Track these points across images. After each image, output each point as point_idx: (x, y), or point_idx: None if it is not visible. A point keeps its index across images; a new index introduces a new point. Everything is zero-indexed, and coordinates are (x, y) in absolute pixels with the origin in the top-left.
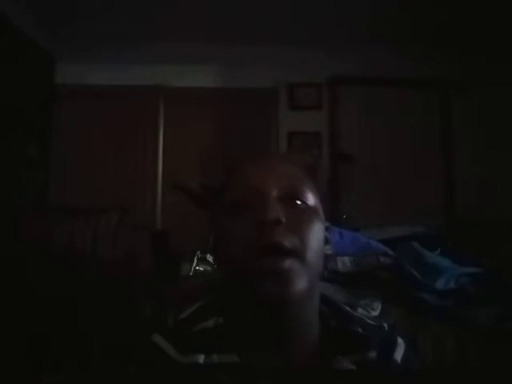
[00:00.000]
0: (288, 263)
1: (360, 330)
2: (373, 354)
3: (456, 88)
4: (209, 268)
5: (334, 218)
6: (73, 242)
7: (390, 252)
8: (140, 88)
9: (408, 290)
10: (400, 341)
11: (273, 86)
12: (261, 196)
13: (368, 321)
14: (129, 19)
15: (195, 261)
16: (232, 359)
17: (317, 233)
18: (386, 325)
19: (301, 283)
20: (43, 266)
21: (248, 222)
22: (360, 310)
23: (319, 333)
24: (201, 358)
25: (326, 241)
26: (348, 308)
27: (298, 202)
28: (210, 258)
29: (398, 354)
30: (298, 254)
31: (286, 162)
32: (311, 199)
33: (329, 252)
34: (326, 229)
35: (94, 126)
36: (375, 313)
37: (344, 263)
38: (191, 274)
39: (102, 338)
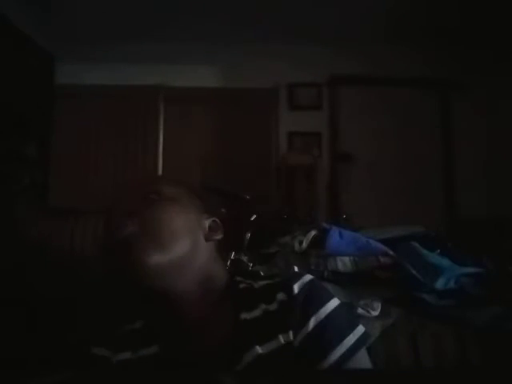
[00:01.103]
0: (132, 231)
1: (269, 281)
2: (280, 296)
3: (456, 88)
4: None
5: (334, 218)
6: (73, 242)
7: (390, 252)
8: (140, 88)
9: (408, 290)
10: (307, 276)
11: (273, 86)
12: (116, 202)
13: (276, 272)
14: (129, 19)
15: None
16: (154, 351)
17: (168, 220)
18: (295, 267)
19: (150, 255)
20: (43, 267)
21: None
22: (360, 310)
23: (222, 298)
24: (128, 355)
25: (214, 230)
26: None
27: (149, 195)
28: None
29: (297, 285)
30: (145, 231)
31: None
32: (165, 194)
33: (218, 237)
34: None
35: (94, 126)
36: (375, 313)
37: (344, 263)
38: None
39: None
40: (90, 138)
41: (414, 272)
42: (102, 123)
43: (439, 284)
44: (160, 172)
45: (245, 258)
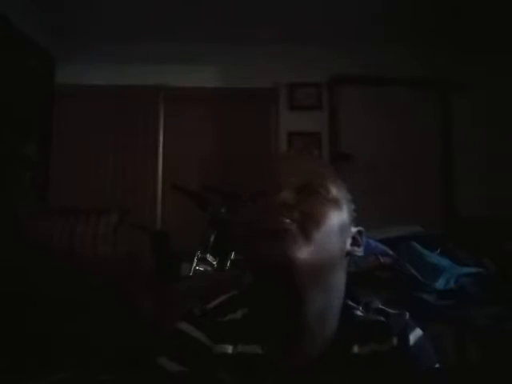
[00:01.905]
0: (287, 224)
1: (382, 318)
2: (394, 340)
3: (456, 88)
4: (209, 268)
5: None
6: (73, 242)
7: (390, 252)
8: (140, 88)
9: (408, 290)
10: (418, 329)
11: (273, 86)
12: (278, 186)
13: (390, 310)
14: (129, 19)
15: (195, 261)
16: (255, 350)
17: (328, 220)
18: (407, 313)
19: (302, 251)
20: (43, 267)
21: (262, 206)
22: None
23: (339, 324)
24: (229, 349)
25: (356, 243)
26: (371, 303)
27: (316, 192)
28: (210, 257)
29: (413, 336)
30: (301, 226)
31: (317, 161)
32: (331, 192)
33: (359, 254)
34: (359, 233)
35: (94, 126)
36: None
37: None
38: (191, 273)
39: (102, 338)
40: (90, 138)
41: (414, 272)
42: (101, 123)
43: (439, 284)
44: (160, 172)
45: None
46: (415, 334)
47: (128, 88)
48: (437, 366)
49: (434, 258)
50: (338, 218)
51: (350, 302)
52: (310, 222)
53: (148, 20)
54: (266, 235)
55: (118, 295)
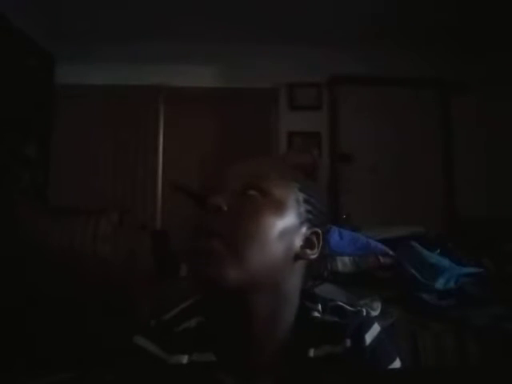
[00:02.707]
0: (212, 244)
1: (337, 319)
2: (347, 342)
3: (456, 88)
4: None
5: (334, 218)
6: (73, 242)
7: (390, 252)
8: (140, 88)
9: (408, 290)
10: (376, 326)
11: (273, 86)
12: (214, 191)
13: (347, 308)
14: (129, 19)
15: None
16: (209, 358)
17: (263, 227)
18: (364, 309)
19: (232, 270)
20: (43, 266)
21: (196, 217)
22: None
23: (295, 327)
24: (185, 358)
25: (310, 245)
26: (326, 299)
27: (252, 192)
28: None
29: (369, 336)
30: (228, 238)
31: (265, 163)
32: (272, 193)
33: (313, 257)
34: (316, 234)
35: (94, 126)
36: (375, 313)
37: (344, 263)
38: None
39: (101, 338)
40: (90, 138)
41: (413, 272)
42: (101, 123)
43: (439, 284)
44: (160, 172)
45: None
46: (371, 334)
47: (128, 88)
48: (397, 364)
49: (434, 257)
50: (278, 221)
51: (308, 303)
52: (240, 236)
53: (148, 20)
54: (194, 254)
55: (118, 295)
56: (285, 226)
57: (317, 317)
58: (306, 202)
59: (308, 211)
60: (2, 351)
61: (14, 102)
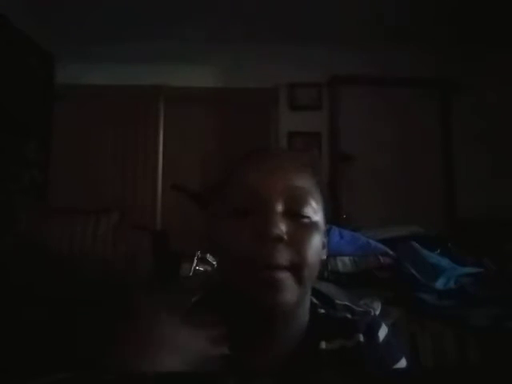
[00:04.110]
0: (283, 277)
1: (348, 315)
2: (360, 337)
3: (456, 88)
4: (209, 268)
5: (334, 218)
6: (73, 242)
7: (390, 252)
8: (140, 88)
9: (408, 290)
10: (384, 325)
11: (273, 86)
12: (265, 207)
13: (356, 308)
14: (129, 19)
15: (195, 261)
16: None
17: (316, 248)
18: (372, 310)
19: (293, 295)
20: (43, 266)
21: (250, 233)
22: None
23: (308, 321)
24: None
25: (323, 246)
26: (336, 299)
27: (302, 218)
28: (210, 257)
29: (382, 333)
30: (295, 270)
31: (292, 164)
32: (315, 210)
33: (324, 257)
34: (327, 231)
35: (94, 126)
36: (375, 313)
37: (344, 263)
38: (191, 274)
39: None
40: (90, 138)
41: (413, 272)
42: (101, 123)
43: (439, 284)
44: (160, 172)
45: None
46: (383, 332)
47: (128, 88)
48: (403, 362)
49: (434, 258)
50: (322, 238)
51: (314, 300)
52: (302, 265)
53: (148, 20)
54: (260, 286)
55: (118, 295)
56: (322, 237)
57: (324, 313)
58: (328, 198)
59: (325, 211)
60: (1, 351)
61: (14, 101)
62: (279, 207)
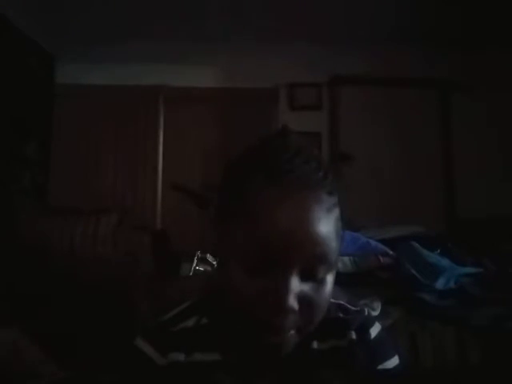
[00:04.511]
0: (287, 338)
1: (341, 315)
2: (352, 335)
3: (456, 88)
4: (209, 268)
5: None
6: (73, 242)
7: (390, 252)
8: (140, 88)
9: (408, 290)
10: (377, 324)
11: (273, 86)
12: (281, 268)
13: (350, 307)
14: (129, 19)
15: (195, 261)
16: (212, 357)
17: (327, 303)
18: (367, 310)
19: (295, 343)
20: (43, 266)
21: (260, 293)
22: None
23: None
24: (181, 357)
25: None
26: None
27: (318, 279)
28: (210, 257)
29: (374, 331)
30: (302, 330)
31: (319, 210)
32: (332, 266)
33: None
34: None
35: (94, 125)
36: (375, 313)
37: (344, 263)
38: (191, 274)
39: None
40: (90, 138)
41: (414, 272)
42: (101, 123)
43: (439, 284)
44: (160, 172)
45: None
46: (375, 329)
47: (128, 88)
48: (395, 360)
49: (434, 258)
50: (332, 286)
51: None
52: (309, 326)
53: (148, 20)
54: (264, 339)
55: (118, 295)
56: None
57: None
58: (341, 229)
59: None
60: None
61: (14, 101)
62: (297, 269)
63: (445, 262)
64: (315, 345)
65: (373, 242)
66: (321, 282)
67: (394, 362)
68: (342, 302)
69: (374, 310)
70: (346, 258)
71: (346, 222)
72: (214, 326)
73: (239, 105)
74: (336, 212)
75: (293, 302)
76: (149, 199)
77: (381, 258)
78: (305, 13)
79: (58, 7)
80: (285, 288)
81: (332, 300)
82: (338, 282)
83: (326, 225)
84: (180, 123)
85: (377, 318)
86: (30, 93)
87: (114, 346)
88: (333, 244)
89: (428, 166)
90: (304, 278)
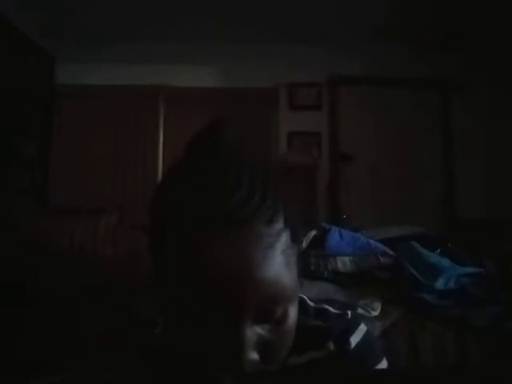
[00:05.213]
0: (253, 371)
1: (320, 322)
2: (330, 346)
3: (456, 88)
4: None
5: (334, 218)
6: (73, 242)
7: (390, 252)
8: (140, 88)
9: (408, 290)
10: (362, 326)
11: (273, 86)
12: (232, 318)
13: (331, 310)
14: (129, 19)
15: None
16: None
17: (292, 331)
18: (349, 312)
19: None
20: (43, 266)
21: (213, 338)
22: (360, 310)
23: None
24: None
25: (296, 238)
26: (308, 301)
27: (276, 319)
28: None
29: (354, 339)
30: (270, 364)
31: (258, 244)
32: (290, 297)
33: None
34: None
35: (94, 126)
36: (375, 313)
37: (344, 263)
38: None
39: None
40: (90, 138)
41: (413, 272)
42: (101, 123)
43: (439, 284)
44: (160, 172)
45: None
46: (356, 336)
47: (128, 88)
48: (384, 364)
49: (434, 257)
50: (295, 310)
51: None
52: (276, 361)
53: (148, 20)
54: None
55: (118, 295)
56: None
57: (298, 322)
58: (298, 251)
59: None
60: (1, 352)
61: (14, 101)
62: (249, 317)
63: (445, 262)
64: (292, 360)
65: (373, 242)
66: (280, 319)
67: (381, 367)
68: (326, 306)
69: (374, 309)
70: (346, 258)
71: (346, 219)
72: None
73: (239, 105)
74: (281, 240)
75: (251, 355)
76: (149, 199)
77: (381, 258)
78: (304, 13)
79: (58, 7)
80: (241, 343)
81: (311, 304)
82: (338, 282)
83: (271, 261)
84: (180, 123)
85: (362, 319)
86: (29, 93)
87: (113, 346)
88: (284, 279)
89: (428, 166)
90: (260, 321)
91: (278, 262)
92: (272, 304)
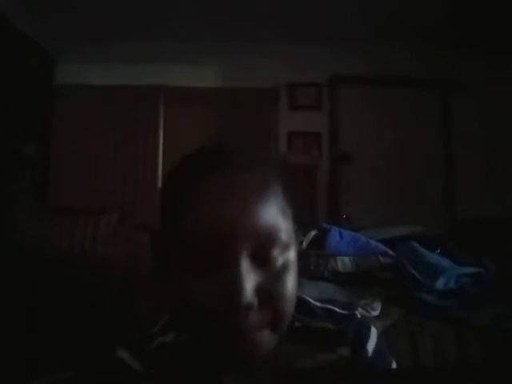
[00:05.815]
0: (257, 337)
1: (330, 324)
2: (345, 350)
3: (456, 88)
4: None
5: (334, 218)
6: (73, 242)
7: (390, 252)
8: (140, 88)
9: (408, 290)
10: (373, 329)
11: (273, 86)
12: (227, 259)
13: (338, 310)
14: (129, 19)
15: None
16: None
17: (292, 292)
18: (357, 313)
19: (269, 346)
20: (43, 267)
21: (215, 296)
22: (360, 310)
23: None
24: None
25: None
26: (313, 301)
27: (272, 262)
28: None
29: (371, 345)
30: (272, 326)
31: (254, 191)
32: (286, 244)
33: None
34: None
35: (94, 126)
36: (375, 313)
37: (344, 263)
38: None
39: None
40: (90, 138)
41: (413, 272)
42: (101, 123)
43: (439, 284)
44: (160, 172)
45: None
46: (372, 342)
47: (128, 88)
48: (393, 366)
49: (434, 258)
50: (294, 273)
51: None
52: (278, 320)
53: (148, 20)
54: (231, 341)
55: (118, 295)
56: (296, 266)
57: (304, 324)
58: (292, 215)
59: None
60: (2, 351)
61: (14, 102)
62: (245, 257)
63: (445, 262)
64: (296, 364)
65: (373, 242)
66: (280, 269)
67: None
68: (331, 307)
69: (374, 309)
70: (346, 258)
71: (346, 219)
72: (195, 345)
73: (239, 105)
74: (275, 190)
75: (250, 297)
76: (149, 199)
77: (381, 258)
78: (305, 13)
79: (58, 7)
80: (237, 280)
81: (317, 304)
82: (338, 282)
83: (266, 205)
84: (180, 123)
85: (374, 319)
86: (29, 93)
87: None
88: (278, 223)
89: (428, 166)
90: (257, 265)
91: (273, 207)
92: (266, 242)
